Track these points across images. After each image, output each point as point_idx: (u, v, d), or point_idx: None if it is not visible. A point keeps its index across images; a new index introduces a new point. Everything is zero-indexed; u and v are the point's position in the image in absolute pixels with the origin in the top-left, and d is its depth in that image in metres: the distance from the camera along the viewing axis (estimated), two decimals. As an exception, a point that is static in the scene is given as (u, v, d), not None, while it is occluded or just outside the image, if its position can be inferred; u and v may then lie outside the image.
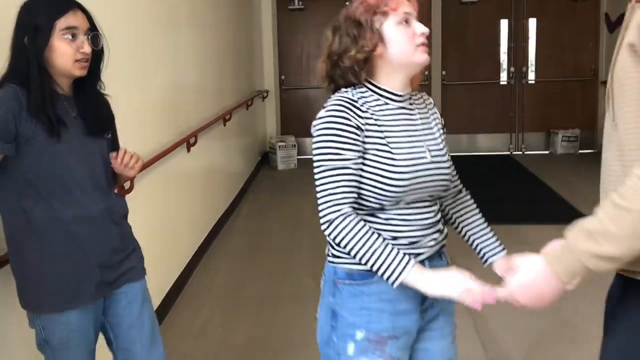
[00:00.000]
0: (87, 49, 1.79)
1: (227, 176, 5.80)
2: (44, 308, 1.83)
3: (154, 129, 3.57)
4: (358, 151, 1.54)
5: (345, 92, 1.60)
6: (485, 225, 1.78)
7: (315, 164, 1.57)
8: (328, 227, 1.53)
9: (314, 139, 1.57)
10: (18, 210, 1.78)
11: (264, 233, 5.20)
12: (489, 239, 1.76)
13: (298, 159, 7.79)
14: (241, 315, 3.62)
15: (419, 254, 1.59)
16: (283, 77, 8.35)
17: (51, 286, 1.82)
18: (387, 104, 1.60)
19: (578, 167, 7.29)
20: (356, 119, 1.54)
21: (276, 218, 5.61)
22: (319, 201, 1.55)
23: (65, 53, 1.76)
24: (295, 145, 7.75)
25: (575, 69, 8.26)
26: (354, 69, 1.58)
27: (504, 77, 8.36)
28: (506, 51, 8.31)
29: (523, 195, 6.24)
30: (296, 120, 8.38)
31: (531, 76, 8.35)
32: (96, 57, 1.86)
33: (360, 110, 1.55)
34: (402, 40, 1.58)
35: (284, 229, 5.26)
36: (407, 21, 1.58)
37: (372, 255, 1.50)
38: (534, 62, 8.34)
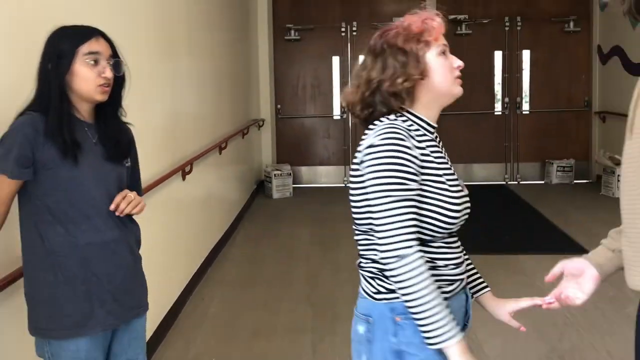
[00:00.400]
0: (109, 74, 1.84)
1: (223, 204, 5.79)
2: (54, 333, 1.83)
3: (151, 156, 3.57)
4: (418, 182, 1.50)
5: (395, 119, 1.56)
6: (469, 261, 1.80)
7: (377, 194, 1.48)
8: (397, 262, 1.45)
9: (373, 167, 1.49)
10: (35, 234, 1.80)
11: (258, 261, 5.18)
12: (474, 274, 1.79)
13: (293, 187, 7.78)
14: (236, 344, 3.59)
15: (462, 280, 1.61)
16: (279, 106, 8.40)
17: (63, 311, 1.81)
18: (425, 134, 1.58)
19: (573, 197, 7.31)
20: (415, 149, 1.51)
21: (271, 246, 5.59)
22: (386, 234, 1.46)
23: (87, 77, 1.81)
24: (290, 174, 7.76)
25: (568, 99, 8.34)
26: (401, 96, 1.55)
27: (498, 108, 8.43)
28: (500, 82, 8.39)
29: (519, 225, 6.24)
30: (292, 149, 8.41)
31: (525, 107, 8.42)
32: (117, 84, 1.90)
33: (415, 139, 1.53)
34: (444, 71, 1.58)
35: (279, 258, 5.24)
36: (444, 53, 1.59)
37: (430, 308, 1.43)
38: (528, 93, 8.42)
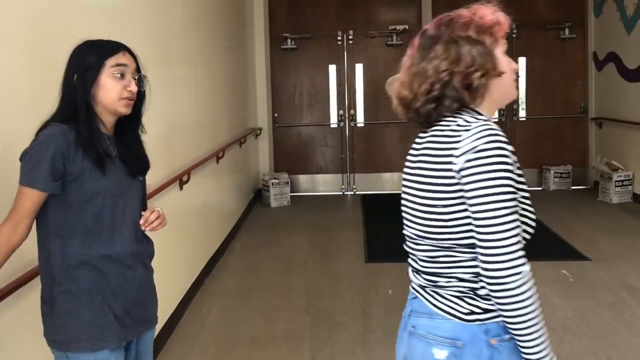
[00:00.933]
0: (134, 87, 1.85)
1: (220, 214, 5.78)
2: (72, 346, 1.81)
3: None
4: None
5: (487, 120, 1.41)
6: None
7: (491, 206, 1.33)
8: (517, 279, 1.32)
9: (484, 175, 1.33)
10: (52, 246, 1.79)
11: (257, 270, 5.16)
12: None
13: (291, 195, 7.77)
14: (234, 353, 3.57)
15: None
16: (276, 114, 8.41)
17: (80, 323, 1.80)
18: None
19: (570, 203, 7.31)
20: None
21: (269, 255, 5.57)
22: (504, 250, 1.33)
23: (112, 89, 1.81)
24: (288, 183, 7.75)
25: (565, 106, 8.36)
26: (478, 91, 1.41)
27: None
28: (497, 89, 8.39)
29: (516, 232, 6.22)
30: (289, 158, 8.41)
31: (522, 113, 8.43)
32: (138, 100, 1.91)
33: None
34: (509, 70, 1.48)
35: (277, 267, 5.22)
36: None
37: (541, 328, 1.35)
38: (524, 100, 8.43)
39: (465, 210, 1.37)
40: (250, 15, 7.86)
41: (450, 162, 1.37)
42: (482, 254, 1.35)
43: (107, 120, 1.86)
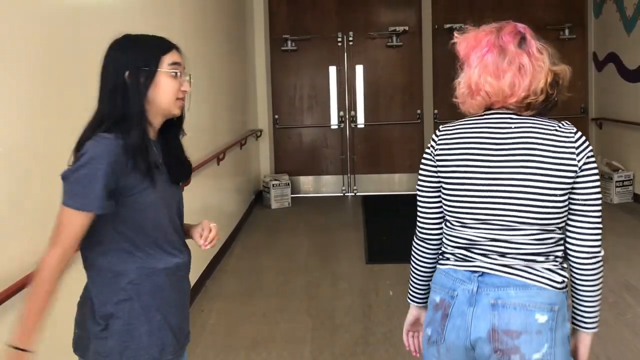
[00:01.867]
0: (187, 88, 1.74)
1: (221, 215, 5.78)
2: None
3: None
4: None
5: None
6: None
7: (600, 195, 1.66)
8: (603, 255, 1.66)
9: (597, 169, 1.67)
10: (109, 264, 1.66)
11: (257, 272, 5.16)
12: None
13: (292, 197, 7.78)
14: (235, 357, 3.57)
15: None
16: (277, 116, 8.41)
17: (140, 344, 1.68)
18: None
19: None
20: None
21: (270, 257, 5.58)
22: (602, 231, 1.65)
23: (170, 89, 1.69)
24: (289, 184, 7.75)
25: (565, 107, 8.28)
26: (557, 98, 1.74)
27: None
28: (497, 90, 8.38)
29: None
30: (290, 159, 8.41)
31: (522, 114, 8.42)
32: None
33: None
34: None
35: (278, 268, 5.22)
36: None
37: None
38: (524, 101, 8.42)
39: (568, 198, 1.64)
40: (251, 16, 7.87)
41: (572, 159, 1.64)
42: (586, 234, 1.64)
43: (156, 124, 1.72)
